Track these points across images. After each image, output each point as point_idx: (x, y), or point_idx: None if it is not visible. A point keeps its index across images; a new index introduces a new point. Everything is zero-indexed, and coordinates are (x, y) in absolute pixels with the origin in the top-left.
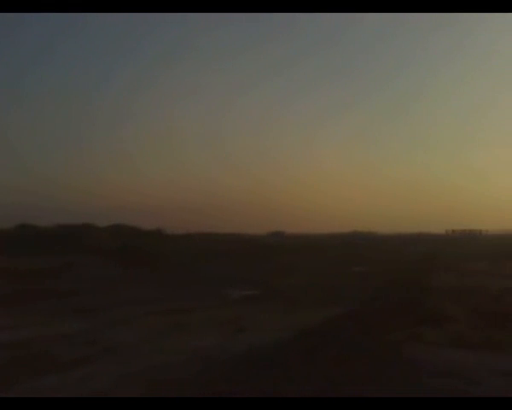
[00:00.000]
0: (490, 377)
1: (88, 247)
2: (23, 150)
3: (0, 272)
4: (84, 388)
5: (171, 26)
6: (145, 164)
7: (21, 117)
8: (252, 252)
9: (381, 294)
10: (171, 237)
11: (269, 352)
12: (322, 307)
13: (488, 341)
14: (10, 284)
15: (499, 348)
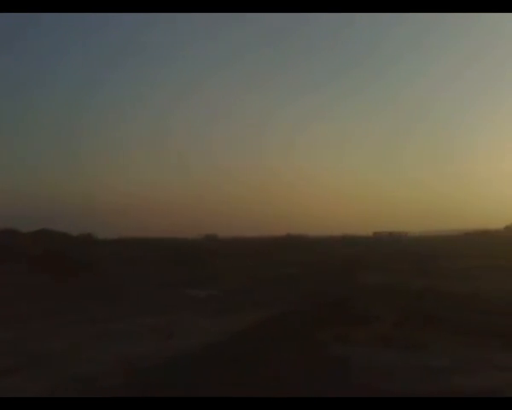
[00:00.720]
0: (409, 373)
1: (11, 254)
2: None
3: None
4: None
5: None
6: (75, 166)
7: None
8: (184, 256)
9: (310, 295)
10: (103, 242)
11: (195, 358)
12: (252, 310)
13: (410, 340)
14: None
15: (420, 346)
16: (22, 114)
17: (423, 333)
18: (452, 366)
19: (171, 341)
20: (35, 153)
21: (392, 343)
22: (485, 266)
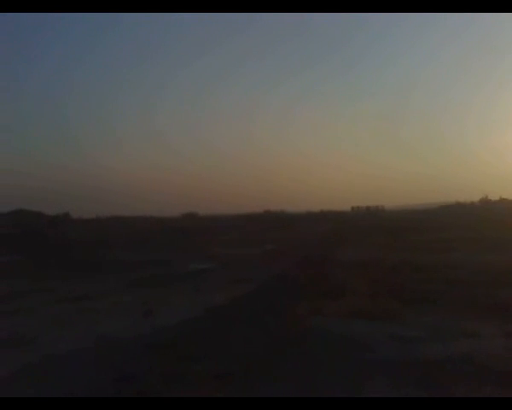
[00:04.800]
0: (384, 343)
1: None
2: None
3: None
4: None
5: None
6: (52, 147)
7: None
8: (162, 234)
9: (287, 271)
10: (79, 221)
11: (173, 333)
12: (228, 287)
13: (385, 311)
14: None
15: (395, 318)
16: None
17: (399, 305)
18: (426, 335)
19: (149, 317)
20: (16, 133)
21: (369, 315)
22: (461, 237)
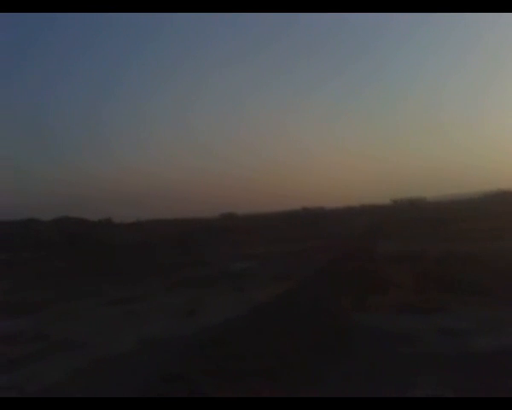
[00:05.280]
0: (432, 337)
1: (32, 241)
2: None
3: None
4: (35, 385)
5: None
6: (90, 155)
7: None
8: (202, 235)
9: (329, 267)
10: (121, 226)
11: (217, 332)
12: (270, 284)
13: (432, 304)
14: None
15: (442, 310)
16: (42, 104)
17: (444, 297)
18: (474, 327)
19: (194, 317)
20: (54, 144)
21: (415, 309)
22: (506, 227)
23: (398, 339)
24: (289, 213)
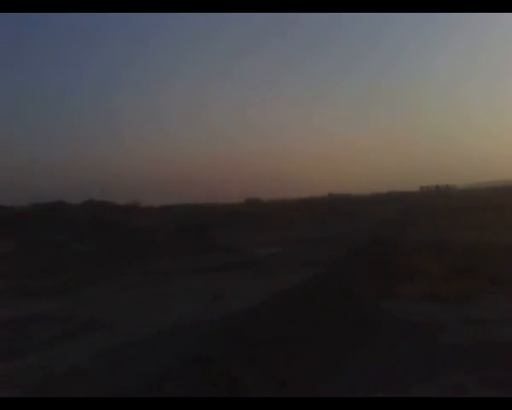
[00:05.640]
0: (459, 326)
1: (62, 224)
2: None
3: None
4: (63, 364)
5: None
6: (119, 138)
7: None
8: (228, 221)
9: (356, 254)
10: (148, 209)
11: (244, 317)
12: (297, 270)
13: (459, 293)
14: None
15: (469, 300)
16: (64, 94)
17: (471, 287)
18: (500, 317)
19: (220, 303)
20: (78, 129)
21: (442, 298)
22: None
23: (424, 328)
24: (316, 200)
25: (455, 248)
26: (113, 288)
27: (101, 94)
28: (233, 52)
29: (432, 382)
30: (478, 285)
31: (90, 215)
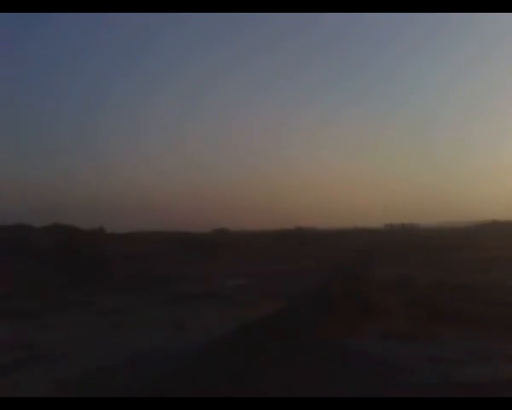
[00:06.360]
0: (422, 365)
1: (24, 248)
2: None
3: None
4: (18, 393)
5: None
6: (88, 161)
7: None
8: (194, 250)
9: (320, 288)
10: (113, 236)
11: (206, 350)
12: (261, 303)
13: (421, 332)
14: None
15: (432, 339)
16: (34, 110)
17: (435, 326)
18: (459, 357)
19: (182, 333)
20: (48, 150)
21: (404, 336)
22: (497, 257)
23: (388, 366)
24: (283, 232)
25: (418, 287)
26: (75, 315)
27: (68, 115)
28: (202, 79)
29: None
30: (439, 325)
31: (53, 240)
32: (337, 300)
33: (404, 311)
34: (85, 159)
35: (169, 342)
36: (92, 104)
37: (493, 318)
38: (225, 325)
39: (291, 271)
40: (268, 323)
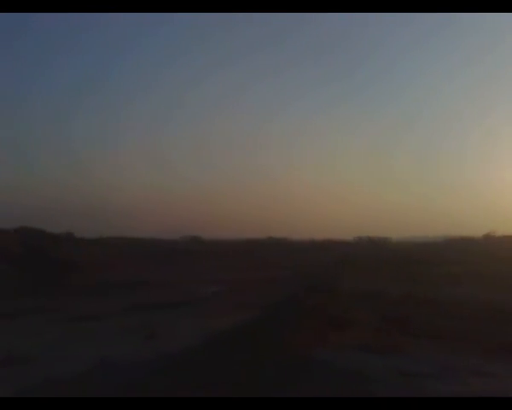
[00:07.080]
0: (388, 377)
1: None
2: None
3: None
4: None
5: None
6: (56, 163)
7: None
8: (166, 257)
9: (292, 299)
10: (82, 241)
11: (177, 359)
12: (232, 312)
13: (389, 345)
14: None
15: (401, 352)
16: (11, 111)
17: (402, 339)
18: (429, 371)
19: (152, 341)
20: (19, 150)
21: (374, 349)
22: (465, 272)
23: (356, 378)
24: (255, 241)
25: (387, 300)
26: (39, 322)
27: (41, 116)
28: (177, 92)
29: None
30: (408, 338)
31: (20, 243)
32: (308, 310)
33: (374, 324)
34: (57, 159)
35: (136, 351)
36: (63, 106)
37: (463, 332)
38: (196, 334)
39: (263, 280)
40: (237, 332)
